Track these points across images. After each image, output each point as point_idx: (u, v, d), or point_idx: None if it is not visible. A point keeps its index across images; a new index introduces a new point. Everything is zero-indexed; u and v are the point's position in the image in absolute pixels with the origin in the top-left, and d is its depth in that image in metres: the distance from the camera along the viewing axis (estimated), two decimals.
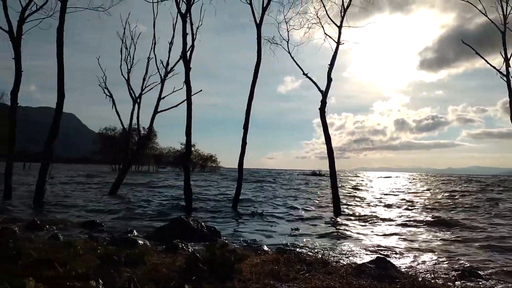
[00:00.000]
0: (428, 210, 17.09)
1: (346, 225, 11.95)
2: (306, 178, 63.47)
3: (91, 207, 14.92)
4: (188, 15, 14.68)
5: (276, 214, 14.02)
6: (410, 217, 13.88)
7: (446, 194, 28.08)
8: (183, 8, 14.80)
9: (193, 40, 14.78)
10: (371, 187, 39.03)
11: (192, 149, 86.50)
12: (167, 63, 21.16)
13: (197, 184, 30.88)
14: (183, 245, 6.59)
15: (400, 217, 14.08)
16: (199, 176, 55.01)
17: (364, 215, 14.30)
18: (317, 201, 20.06)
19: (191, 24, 14.70)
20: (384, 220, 13.20)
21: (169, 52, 21.08)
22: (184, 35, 14.69)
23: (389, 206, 18.64)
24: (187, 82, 14.69)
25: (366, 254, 7.51)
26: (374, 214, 14.88)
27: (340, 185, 30.45)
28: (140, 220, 11.72)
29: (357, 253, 7.68)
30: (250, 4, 14.39)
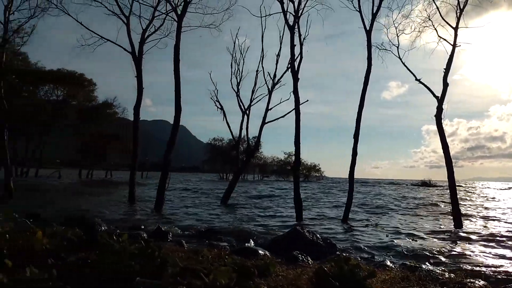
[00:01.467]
0: None
1: (471, 241, 11.01)
2: (416, 188, 60.17)
3: (205, 215, 15.64)
4: (295, 27, 14.83)
5: (391, 226, 13.44)
6: None
7: None
8: (291, 20, 15.01)
9: (301, 51, 14.90)
10: (493, 198, 35.72)
11: None
12: (274, 75, 21.60)
13: (305, 193, 30.92)
14: (302, 257, 6.58)
15: None
16: (303, 186, 55.00)
17: (490, 232, 13.06)
18: (435, 214, 18.87)
19: (299, 35, 14.82)
20: None
21: (276, 64, 21.53)
22: (292, 46, 14.86)
23: None
24: (295, 92, 14.80)
25: (498, 276, 6.81)
26: (500, 230, 13.54)
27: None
28: (251, 229, 11.94)
29: (489, 275, 7.00)
30: (359, 11, 14.11)
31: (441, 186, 64.49)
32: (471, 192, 49.80)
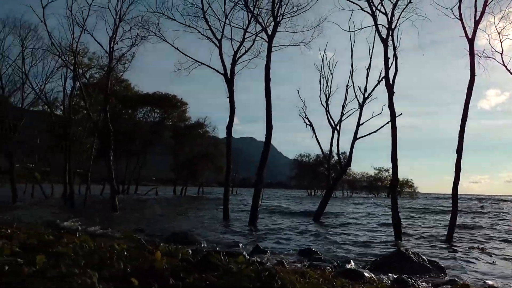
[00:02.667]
0: None
1: None
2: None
3: (298, 232, 15.50)
4: (389, 39, 14.39)
5: (500, 253, 12.24)
6: None
7: None
8: (384, 33, 14.60)
9: (396, 63, 14.36)
10: None
11: (386, 174, 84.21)
12: (365, 89, 21.09)
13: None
14: (412, 281, 6.22)
15: None
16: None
17: None
18: None
19: (394, 48, 14.34)
20: None
21: (367, 77, 21.04)
22: (386, 59, 14.40)
23: None
24: (391, 106, 14.26)
25: None
26: None
27: None
28: (348, 249, 11.58)
29: None
30: (460, 19, 13.29)
31: None
32: None
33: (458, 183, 13.73)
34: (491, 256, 11.18)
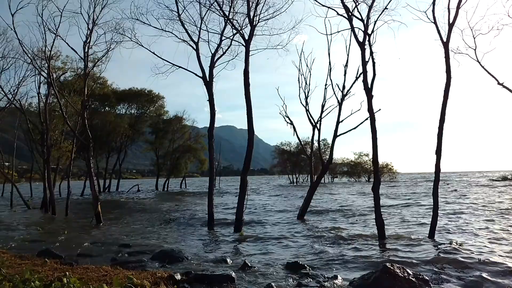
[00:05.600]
0: None
1: None
2: (496, 185, 56.39)
3: (283, 237, 15.62)
4: (366, 43, 14.48)
5: (477, 246, 12.63)
6: None
7: None
8: (361, 36, 14.67)
9: (374, 67, 14.49)
10: None
11: (366, 158, 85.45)
12: (343, 86, 21.20)
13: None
14: None
15: None
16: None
17: None
18: None
19: (371, 52, 14.43)
20: None
21: (345, 75, 21.15)
22: (364, 63, 14.50)
23: None
24: (370, 110, 14.42)
25: None
26: None
27: None
28: (337, 260, 11.68)
29: None
30: (435, 22, 13.44)
31: None
32: None
33: (438, 184, 14.06)
34: (472, 253, 11.53)
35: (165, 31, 19.49)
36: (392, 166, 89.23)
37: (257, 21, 17.70)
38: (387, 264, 8.64)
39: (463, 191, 41.67)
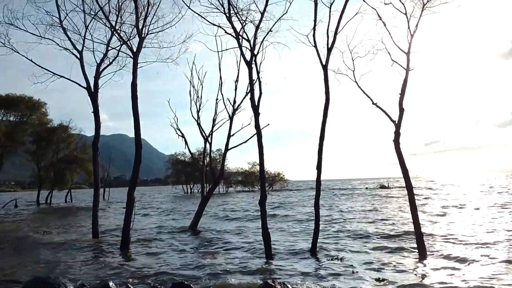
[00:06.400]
0: None
1: None
2: (375, 192, 61.64)
3: (173, 250, 15.35)
4: (253, 62, 14.91)
5: (355, 259, 13.62)
6: None
7: None
8: (248, 55, 15.06)
9: (260, 86, 14.97)
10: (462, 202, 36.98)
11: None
12: (234, 101, 21.62)
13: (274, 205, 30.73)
14: None
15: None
16: (269, 195, 54.84)
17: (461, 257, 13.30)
18: (393, 232, 19.31)
19: (257, 72, 14.90)
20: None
21: (235, 90, 21.56)
22: (251, 81, 14.91)
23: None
24: (257, 127, 14.83)
25: None
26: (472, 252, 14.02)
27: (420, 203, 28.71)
28: (220, 273, 11.76)
29: None
30: (315, 46, 14.33)
31: (401, 186, 66.45)
32: (434, 193, 51.37)
33: (319, 196, 14.91)
34: (352, 266, 12.36)
35: (45, 38, 18.18)
36: (284, 175, 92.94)
37: (146, 33, 17.30)
38: (269, 280, 8.91)
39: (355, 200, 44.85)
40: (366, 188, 79.86)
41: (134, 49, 16.93)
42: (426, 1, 15.02)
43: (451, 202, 35.90)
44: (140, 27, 17.10)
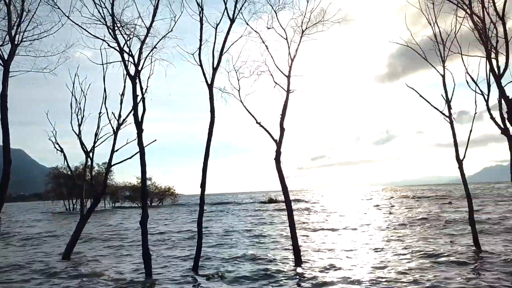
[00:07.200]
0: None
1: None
2: (261, 206, 63.65)
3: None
4: (137, 77, 14.62)
5: (239, 272, 13.93)
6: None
7: None
8: (132, 69, 14.74)
9: (143, 102, 14.70)
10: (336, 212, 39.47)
11: (149, 182, 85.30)
12: (119, 115, 20.79)
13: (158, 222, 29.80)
14: None
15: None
16: (157, 211, 53.56)
17: (333, 265, 14.47)
18: (277, 243, 20.13)
19: (141, 89, 14.64)
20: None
21: (121, 103, 20.70)
22: (135, 97, 14.57)
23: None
24: (140, 144, 14.51)
25: None
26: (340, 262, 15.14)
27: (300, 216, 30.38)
28: None
29: None
30: (201, 65, 14.53)
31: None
32: (314, 205, 54.48)
33: (203, 214, 15.00)
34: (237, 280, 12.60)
35: None
36: (174, 190, 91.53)
37: (20, 40, 15.99)
38: None
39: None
40: (258, 202, 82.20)
41: (5, 57, 15.55)
42: (304, 28, 16.25)
43: (328, 215, 38.44)
44: (13, 33, 15.79)
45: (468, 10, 13.27)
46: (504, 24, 12.43)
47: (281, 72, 16.58)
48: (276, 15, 15.90)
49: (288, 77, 16.46)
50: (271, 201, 76.88)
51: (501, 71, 14.56)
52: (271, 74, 16.66)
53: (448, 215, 31.70)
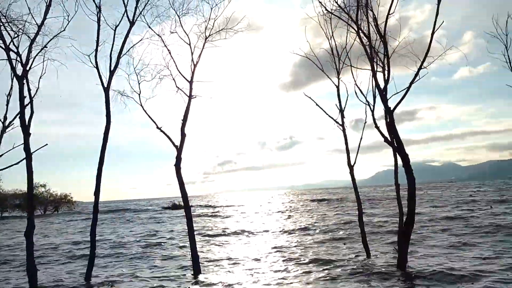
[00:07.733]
0: None
1: None
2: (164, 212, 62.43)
3: None
4: (25, 78, 13.57)
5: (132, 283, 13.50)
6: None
7: None
8: (19, 69, 13.66)
9: (31, 105, 13.68)
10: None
11: (43, 189, 79.20)
12: (5, 117, 19.06)
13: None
14: None
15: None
16: (48, 220, 49.78)
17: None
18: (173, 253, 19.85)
19: (28, 89, 13.61)
20: None
21: (7, 105, 19.03)
22: (21, 98, 13.51)
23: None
24: (27, 149, 13.48)
25: None
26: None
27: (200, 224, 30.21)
28: None
29: None
30: (97, 67, 13.89)
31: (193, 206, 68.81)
32: (219, 210, 54.54)
33: (96, 224, 14.31)
34: None
35: None
36: (72, 197, 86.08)
37: None
38: None
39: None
40: (161, 207, 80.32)
41: None
42: (208, 35, 16.18)
43: (231, 222, 38.60)
44: None
45: (355, 27, 14.16)
46: (385, 43, 13.45)
47: (184, 77, 16.33)
48: (180, 20, 15.70)
49: (191, 82, 16.23)
50: (175, 207, 75.24)
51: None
52: (174, 79, 16.29)
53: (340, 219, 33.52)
